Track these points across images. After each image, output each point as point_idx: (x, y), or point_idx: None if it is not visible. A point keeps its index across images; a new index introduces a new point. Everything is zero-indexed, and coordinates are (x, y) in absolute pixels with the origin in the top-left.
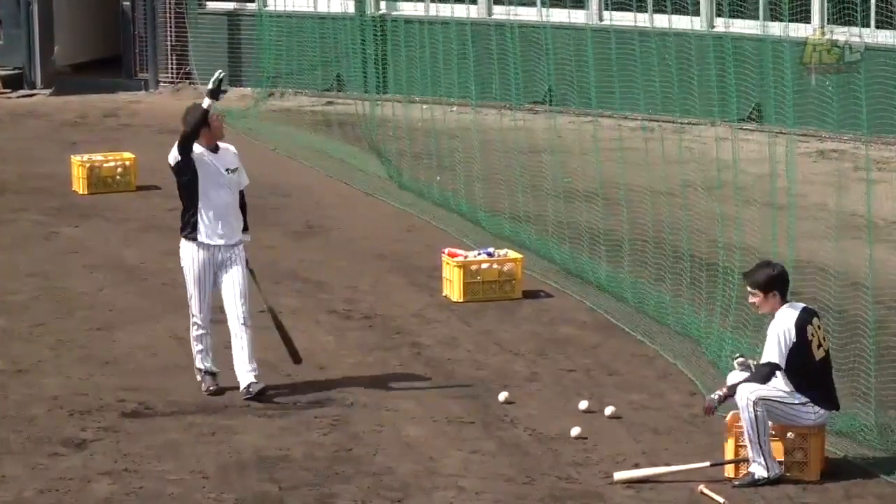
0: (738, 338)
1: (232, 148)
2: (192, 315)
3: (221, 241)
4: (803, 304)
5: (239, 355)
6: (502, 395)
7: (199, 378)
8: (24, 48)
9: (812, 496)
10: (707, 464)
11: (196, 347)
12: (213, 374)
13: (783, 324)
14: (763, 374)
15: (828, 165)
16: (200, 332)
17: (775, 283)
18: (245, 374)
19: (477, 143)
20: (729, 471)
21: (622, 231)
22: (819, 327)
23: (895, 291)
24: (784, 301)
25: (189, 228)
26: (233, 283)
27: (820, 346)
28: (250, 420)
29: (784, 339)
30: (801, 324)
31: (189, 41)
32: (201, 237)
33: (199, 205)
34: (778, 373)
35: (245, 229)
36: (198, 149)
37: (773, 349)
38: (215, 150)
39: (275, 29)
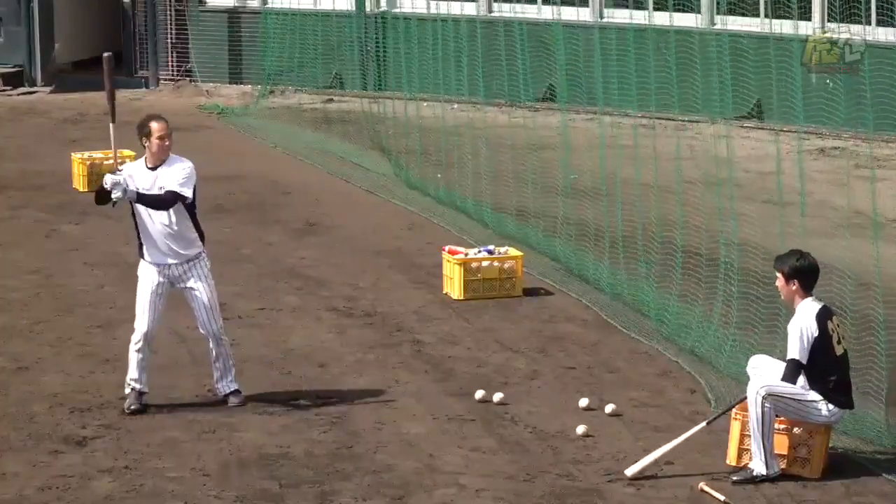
0: (742, 336)
1: (179, 165)
2: (136, 329)
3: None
4: (824, 302)
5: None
6: (496, 396)
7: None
8: (25, 45)
9: (813, 493)
10: (703, 424)
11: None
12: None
13: (804, 319)
14: (787, 373)
15: (829, 163)
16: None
17: (796, 273)
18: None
19: (473, 139)
20: (731, 459)
21: (623, 228)
22: (838, 325)
23: None
24: (806, 294)
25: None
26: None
27: (839, 342)
28: (251, 417)
29: (806, 335)
30: (822, 318)
31: (190, 38)
32: (147, 257)
33: (138, 228)
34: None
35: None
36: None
37: (795, 345)
38: (153, 169)
39: (276, 26)
